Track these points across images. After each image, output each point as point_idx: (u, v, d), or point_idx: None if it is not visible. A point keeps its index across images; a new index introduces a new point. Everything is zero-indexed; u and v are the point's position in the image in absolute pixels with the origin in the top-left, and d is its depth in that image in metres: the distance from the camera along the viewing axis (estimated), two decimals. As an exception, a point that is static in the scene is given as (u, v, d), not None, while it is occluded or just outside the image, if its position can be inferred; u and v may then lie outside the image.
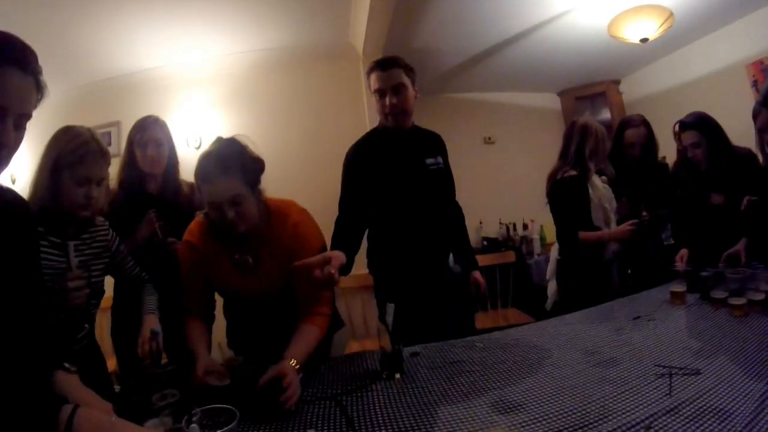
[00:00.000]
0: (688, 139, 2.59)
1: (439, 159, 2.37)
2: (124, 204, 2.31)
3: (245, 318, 1.92)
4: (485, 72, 5.27)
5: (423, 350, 1.83)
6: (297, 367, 1.49)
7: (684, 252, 2.51)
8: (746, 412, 1.08)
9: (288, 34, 4.12)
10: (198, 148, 4.13)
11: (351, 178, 2.23)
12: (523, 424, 1.18)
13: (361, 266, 2.15)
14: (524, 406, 1.28)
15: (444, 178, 2.41)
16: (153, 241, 2.26)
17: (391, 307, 1.64)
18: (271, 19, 3.83)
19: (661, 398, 1.21)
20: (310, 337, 1.67)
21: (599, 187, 2.79)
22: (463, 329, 2.26)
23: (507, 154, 5.96)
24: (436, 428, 1.23)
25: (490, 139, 6.01)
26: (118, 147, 3.83)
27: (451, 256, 2.46)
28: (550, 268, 3.13)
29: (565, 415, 1.20)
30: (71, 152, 1.61)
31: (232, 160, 1.64)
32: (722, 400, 1.15)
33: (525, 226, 5.53)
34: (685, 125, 2.61)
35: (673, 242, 2.81)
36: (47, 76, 1.07)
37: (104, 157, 1.70)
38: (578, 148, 2.75)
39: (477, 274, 2.49)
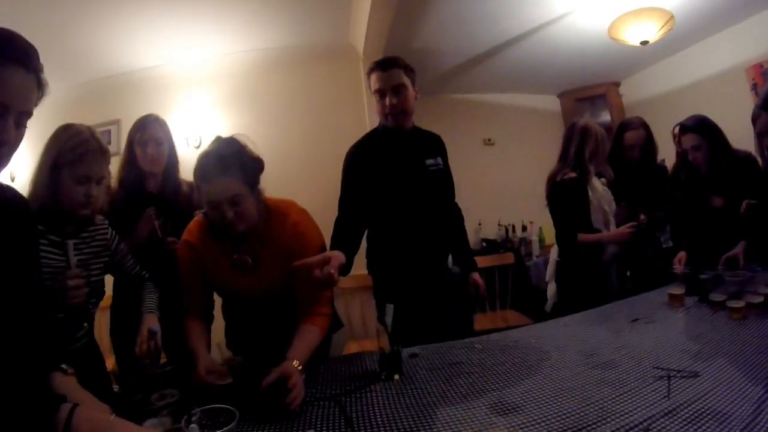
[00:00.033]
0: (689, 142, 2.59)
1: (439, 160, 2.37)
2: (124, 203, 2.32)
3: (245, 318, 1.92)
4: (485, 73, 5.28)
5: (422, 351, 1.83)
6: (300, 368, 1.49)
7: (682, 255, 2.51)
8: (744, 414, 1.09)
9: (288, 34, 4.12)
10: (198, 147, 4.13)
11: (351, 178, 2.24)
12: (522, 425, 1.18)
13: (359, 267, 2.15)
14: (523, 407, 1.28)
15: (444, 179, 2.41)
16: (153, 239, 2.26)
17: (390, 308, 1.64)
18: (272, 19, 3.84)
19: (659, 400, 1.21)
20: (312, 337, 1.67)
21: (599, 189, 2.80)
22: (462, 330, 2.26)
23: (507, 156, 5.95)
24: (435, 429, 1.23)
25: (490, 140, 6.00)
26: (117, 145, 3.84)
27: (450, 257, 2.46)
28: (550, 269, 3.13)
29: (563, 417, 1.20)
30: (71, 150, 1.61)
31: (232, 160, 1.64)
32: (720, 402, 1.15)
33: (524, 228, 5.53)
34: (685, 128, 2.61)
35: (671, 245, 2.81)
36: (47, 74, 1.07)
37: (104, 155, 1.70)
38: (578, 150, 2.75)
39: (476, 276, 2.49)
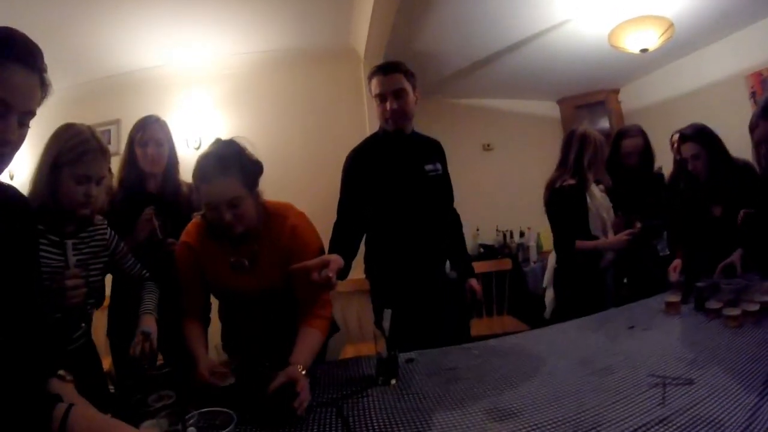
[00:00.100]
0: (688, 150, 2.59)
1: (438, 165, 2.38)
2: (124, 203, 2.32)
3: (244, 318, 1.92)
4: (485, 78, 5.30)
5: (418, 356, 1.83)
6: (304, 372, 1.49)
7: (677, 262, 2.51)
8: (738, 422, 1.09)
9: (289, 36, 4.14)
10: (197, 148, 4.14)
11: (350, 182, 2.25)
12: (518, 431, 1.18)
13: (356, 270, 2.16)
14: (519, 413, 1.28)
15: (442, 185, 2.42)
16: (152, 240, 2.26)
17: (388, 313, 1.64)
18: (273, 21, 3.86)
19: (654, 408, 1.21)
20: (314, 341, 1.68)
21: (597, 196, 2.80)
22: (459, 336, 2.27)
23: (505, 161, 5.96)
24: (430, 434, 1.23)
25: (489, 145, 6.01)
26: (117, 145, 3.85)
27: (447, 262, 2.47)
28: (547, 276, 3.14)
29: (559, 423, 1.20)
30: (71, 150, 1.61)
31: (231, 162, 1.65)
32: (715, 410, 1.16)
33: (522, 234, 5.54)
34: (685, 137, 2.61)
35: (668, 252, 2.81)
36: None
37: (104, 155, 1.70)
38: (577, 157, 2.76)
39: (473, 281, 2.50)
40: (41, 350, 1.13)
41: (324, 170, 3.26)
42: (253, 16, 3.74)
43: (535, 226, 5.31)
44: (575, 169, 2.76)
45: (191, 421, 1.15)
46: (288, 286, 1.76)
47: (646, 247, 2.90)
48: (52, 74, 1.07)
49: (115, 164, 2.28)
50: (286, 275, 1.66)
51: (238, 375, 1.56)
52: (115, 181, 2.39)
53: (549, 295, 3.08)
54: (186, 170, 2.08)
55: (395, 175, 2.26)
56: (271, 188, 1.83)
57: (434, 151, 2.45)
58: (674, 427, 1.10)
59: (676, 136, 2.94)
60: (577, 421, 1.20)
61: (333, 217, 2.18)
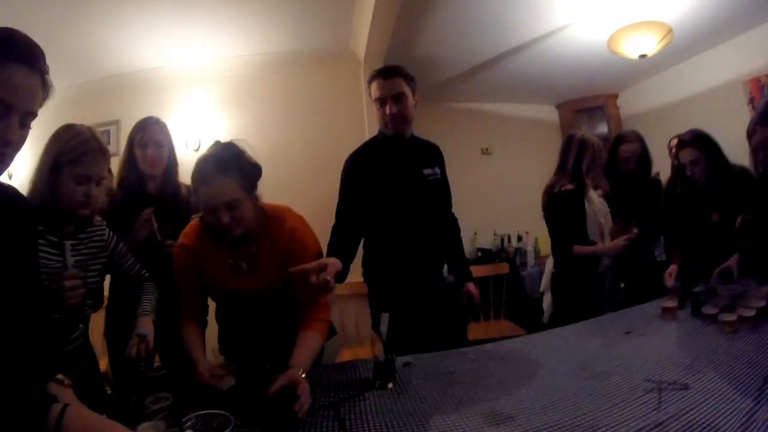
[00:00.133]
0: (687, 156, 2.59)
1: (437, 170, 2.39)
2: (123, 204, 2.32)
3: (242, 319, 1.91)
4: (485, 82, 5.31)
5: (415, 360, 1.83)
6: (303, 375, 1.49)
7: (673, 268, 2.52)
8: (733, 427, 1.09)
9: (289, 38, 4.14)
10: (197, 150, 4.14)
11: (349, 186, 2.25)
12: (514, 435, 1.19)
13: (354, 274, 2.16)
14: (515, 417, 1.29)
15: (441, 189, 2.43)
16: (151, 242, 2.26)
17: (385, 317, 1.64)
18: (273, 23, 3.86)
19: (650, 412, 1.21)
20: (313, 344, 1.68)
21: (595, 201, 2.81)
22: (456, 340, 2.27)
23: (504, 165, 5.98)
24: (427, 437, 1.23)
25: (487, 149, 6.03)
26: (117, 146, 3.84)
27: (445, 266, 2.47)
28: (545, 280, 3.14)
29: (555, 427, 1.20)
30: (71, 150, 1.61)
31: (230, 164, 1.65)
32: (710, 415, 1.16)
33: (519, 238, 5.55)
34: (683, 143, 2.62)
35: (665, 258, 2.82)
36: (47, 73, 1.07)
37: (104, 156, 1.70)
38: (576, 162, 2.77)
39: (471, 286, 2.50)
40: (39, 351, 1.13)
41: (324, 172, 3.26)
42: (253, 18, 3.75)
43: (533, 231, 5.33)
44: (574, 174, 2.76)
45: (188, 424, 1.15)
46: (287, 287, 1.76)
47: (643, 252, 2.90)
48: (52, 74, 1.07)
49: (115, 165, 2.28)
50: (285, 277, 1.66)
51: (239, 377, 1.56)
52: (114, 182, 2.39)
53: (547, 300, 3.09)
54: (185, 172, 2.08)
55: (394, 179, 2.26)
56: (270, 190, 1.83)
57: (433, 155, 2.45)
58: (670, 431, 1.11)
59: (675, 142, 2.95)
60: (574, 425, 1.20)
61: (333, 219, 2.18)
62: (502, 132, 6.08)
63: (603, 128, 6.01)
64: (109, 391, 1.84)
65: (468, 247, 4.47)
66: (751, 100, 4.36)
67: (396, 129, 2.27)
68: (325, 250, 1.91)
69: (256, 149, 1.77)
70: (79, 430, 0.94)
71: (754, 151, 2.05)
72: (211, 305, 1.99)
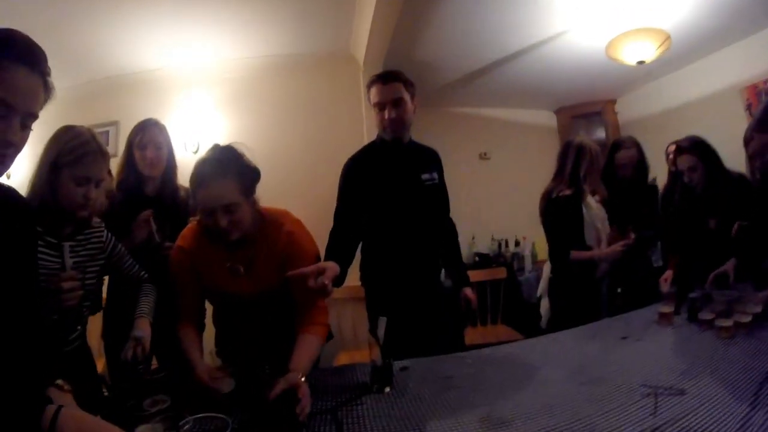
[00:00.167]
0: (685, 163, 2.60)
1: (435, 175, 2.39)
2: (122, 205, 2.32)
3: (241, 321, 1.91)
4: (483, 87, 5.32)
5: (412, 364, 1.84)
6: (303, 379, 1.49)
7: (668, 273, 2.52)
8: (729, 432, 1.10)
9: (289, 42, 4.16)
10: (195, 152, 4.14)
11: (347, 190, 2.26)
12: (511, 439, 1.19)
13: (352, 277, 2.17)
14: (512, 422, 1.29)
15: (439, 194, 2.43)
16: (150, 244, 2.26)
17: (383, 321, 1.65)
18: (273, 26, 3.87)
19: (646, 417, 1.22)
20: (312, 347, 1.68)
21: (593, 206, 2.82)
22: (453, 345, 2.27)
23: (502, 170, 5.98)
24: (424, 441, 1.23)
25: (485, 154, 6.03)
26: (115, 147, 3.84)
27: (443, 271, 2.48)
28: (542, 285, 3.14)
29: (552, 432, 1.21)
30: (71, 151, 1.61)
31: (229, 167, 1.66)
32: (706, 420, 1.17)
33: (517, 243, 5.55)
34: (681, 149, 2.62)
35: (662, 263, 2.82)
36: (47, 73, 1.07)
37: (104, 157, 1.70)
38: (573, 167, 2.78)
39: (468, 291, 2.51)
40: (37, 352, 1.13)
41: (322, 175, 3.26)
42: (253, 20, 3.75)
43: (530, 236, 5.33)
44: (571, 180, 2.77)
45: (186, 426, 1.15)
46: (284, 290, 1.76)
47: (640, 257, 2.91)
48: (51, 74, 1.07)
49: (113, 166, 2.28)
50: (283, 281, 1.67)
51: (239, 380, 1.57)
52: (113, 184, 2.39)
53: (544, 305, 3.09)
54: (184, 173, 2.09)
55: (392, 184, 2.27)
56: (269, 193, 1.83)
57: (431, 160, 2.46)
58: (665, 437, 1.11)
59: (672, 148, 2.96)
60: (570, 430, 1.21)
61: (331, 221, 2.19)
62: (500, 137, 6.08)
63: (601, 134, 6.02)
64: (106, 393, 1.84)
65: (465, 252, 4.48)
66: (749, 107, 4.37)
67: (395, 134, 2.28)
68: (323, 254, 1.92)
69: (254, 152, 1.77)
70: (72, 431, 0.94)
71: (751, 158, 2.05)
72: (208, 308, 1.99)
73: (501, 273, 4.61)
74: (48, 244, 1.62)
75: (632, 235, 2.71)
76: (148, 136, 2.44)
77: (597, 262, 2.78)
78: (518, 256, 5.34)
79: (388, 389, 1.60)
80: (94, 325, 2.41)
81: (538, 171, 3.40)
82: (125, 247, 1.99)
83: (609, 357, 1.74)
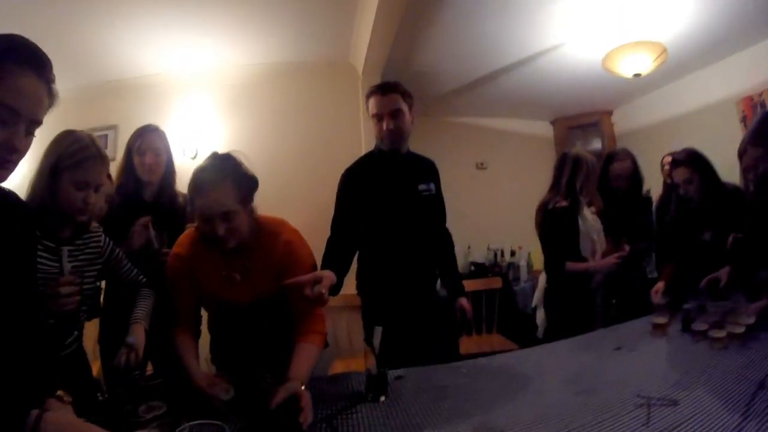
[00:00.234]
0: (681, 175, 2.60)
1: (432, 185, 2.40)
2: (120, 210, 2.33)
3: (236, 329, 1.90)
4: (481, 97, 5.36)
5: (407, 374, 1.84)
6: (303, 387, 1.49)
7: (660, 285, 2.52)
8: (721, 443, 1.11)
9: (289, 49, 4.18)
10: (194, 158, 4.14)
11: (344, 200, 2.27)
12: (505, 449, 1.20)
13: (348, 286, 2.17)
14: None
15: (435, 205, 2.44)
16: (148, 250, 2.26)
17: (378, 330, 1.65)
18: (273, 33, 3.90)
19: (639, 428, 1.22)
20: (311, 356, 1.68)
21: (589, 218, 2.83)
22: (448, 354, 2.28)
23: (498, 180, 6.02)
24: (418, 450, 1.23)
25: (482, 164, 6.06)
26: (114, 151, 3.83)
27: (438, 281, 2.49)
28: (537, 295, 3.14)
29: (545, 441, 1.21)
30: (71, 156, 1.61)
31: (227, 175, 1.66)
32: (698, 430, 1.17)
33: (513, 253, 5.57)
34: (677, 162, 2.62)
35: (657, 275, 2.83)
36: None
37: (103, 162, 1.71)
38: (569, 179, 2.78)
39: (463, 301, 2.51)
40: (35, 355, 1.13)
41: (320, 183, 3.27)
42: (254, 27, 3.78)
43: (526, 246, 5.34)
44: (567, 192, 2.78)
45: (183, 433, 1.15)
46: (280, 298, 1.77)
47: (634, 269, 2.92)
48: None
49: (112, 170, 2.28)
50: (279, 289, 1.67)
51: (239, 388, 1.57)
52: (112, 188, 2.40)
53: (540, 315, 3.09)
54: (182, 180, 2.09)
55: (389, 194, 2.28)
56: (267, 201, 1.84)
57: (428, 170, 2.47)
58: (658, 447, 1.12)
59: (668, 159, 2.97)
60: (564, 440, 1.21)
61: (328, 230, 2.20)
62: (497, 147, 6.12)
63: (597, 144, 6.07)
64: (101, 398, 1.83)
65: (461, 261, 4.47)
66: (744, 119, 4.41)
67: (392, 144, 2.29)
68: (319, 263, 1.92)
69: (252, 159, 1.78)
70: None
71: (745, 171, 2.07)
72: (204, 315, 1.99)
73: (496, 283, 4.61)
74: (46, 248, 1.62)
75: (627, 247, 2.72)
76: (147, 141, 2.45)
77: (592, 273, 2.79)
78: (514, 266, 5.35)
79: (383, 398, 1.60)
80: (90, 329, 2.41)
81: (535, 181, 3.42)
82: (124, 251, 1.99)
83: (603, 367, 1.75)
